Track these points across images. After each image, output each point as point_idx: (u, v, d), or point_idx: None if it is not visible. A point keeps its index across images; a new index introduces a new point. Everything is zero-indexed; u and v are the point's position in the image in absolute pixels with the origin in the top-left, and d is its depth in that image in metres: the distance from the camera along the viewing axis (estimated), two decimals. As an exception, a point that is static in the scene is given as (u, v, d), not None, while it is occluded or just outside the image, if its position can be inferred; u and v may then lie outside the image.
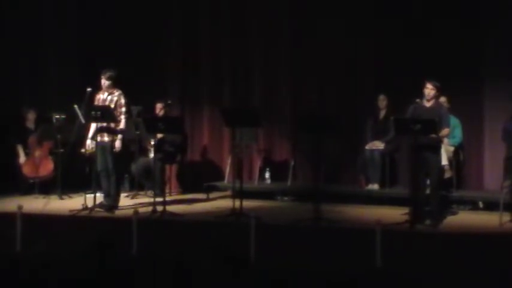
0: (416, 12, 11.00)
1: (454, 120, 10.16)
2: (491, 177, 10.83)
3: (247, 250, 7.64)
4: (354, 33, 11.49)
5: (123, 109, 9.93)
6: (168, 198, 10.17)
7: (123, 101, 9.92)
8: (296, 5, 11.81)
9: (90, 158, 10.32)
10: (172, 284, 6.43)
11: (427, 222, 9.04)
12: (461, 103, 10.73)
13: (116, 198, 10.05)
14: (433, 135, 9.09)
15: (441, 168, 9.65)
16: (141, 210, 9.64)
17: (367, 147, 10.97)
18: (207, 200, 11.27)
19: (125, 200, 10.68)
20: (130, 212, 8.67)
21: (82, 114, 10.26)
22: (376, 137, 11.00)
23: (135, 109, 11.25)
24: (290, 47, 11.90)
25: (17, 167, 11.59)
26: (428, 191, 9.30)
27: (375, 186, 10.85)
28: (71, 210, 9.73)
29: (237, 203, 9.49)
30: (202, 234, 8.75)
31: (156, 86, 12.04)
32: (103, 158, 9.89)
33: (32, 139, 11.66)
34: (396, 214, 9.43)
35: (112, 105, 9.87)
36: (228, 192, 11.11)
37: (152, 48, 12.23)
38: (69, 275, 6.39)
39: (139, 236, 8.02)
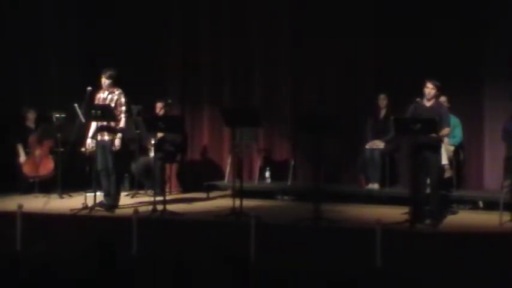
0: (416, 12, 10.99)
1: (454, 120, 10.16)
2: (491, 176, 10.84)
3: (247, 250, 7.65)
4: (354, 33, 11.50)
5: (123, 108, 9.94)
6: (168, 198, 10.18)
7: (123, 100, 9.93)
8: (296, 5, 11.81)
9: (90, 157, 10.32)
10: (172, 284, 6.43)
11: (427, 221, 9.04)
12: (461, 103, 10.73)
13: (116, 198, 10.05)
14: (433, 135, 9.09)
15: (441, 168, 9.66)
16: (141, 209, 9.65)
17: (367, 146, 10.97)
18: (207, 199, 11.28)
19: (125, 199, 10.68)
20: (131, 211, 8.68)
21: (82, 113, 10.26)
22: (376, 136, 11.00)
23: (135, 108, 11.26)
24: (290, 47, 11.91)
25: (17, 166, 11.60)
26: (428, 191, 9.30)
27: (375, 186, 10.85)
28: (71, 210, 9.73)
29: (237, 202, 9.50)
30: (202, 234, 8.75)
31: (156, 86, 12.04)
32: (103, 157, 9.89)
33: (32, 138, 11.66)
34: (396, 214, 9.44)
35: (112, 104, 9.87)
36: (228, 192, 11.11)
37: (152, 48, 12.23)
38: (69, 275, 6.39)
39: (140, 235, 8.03)
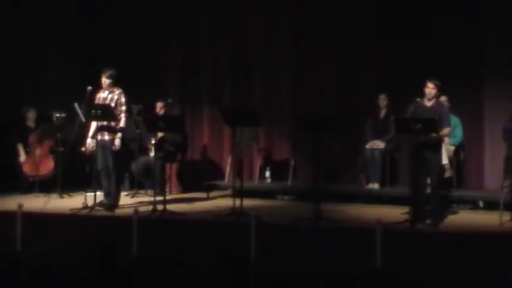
0: (416, 12, 10.99)
1: (454, 120, 10.16)
2: (492, 176, 10.84)
3: (247, 249, 7.65)
4: (354, 33, 11.50)
5: (124, 108, 9.94)
6: (168, 197, 10.18)
7: (123, 99, 9.92)
8: (296, 5, 11.80)
9: (91, 156, 10.32)
10: (172, 284, 6.43)
11: (428, 221, 9.04)
12: (461, 103, 10.73)
13: (116, 197, 10.05)
14: (434, 135, 9.09)
15: (441, 168, 9.66)
16: (141, 209, 9.66)
17: (367, 146, 10.98)
18: (207, 199, 11.28)
19: (125, 199, 10.68)
20: (131, 211, 8.69)
21: (82, 112, 10.25)
22: (377, 136, 11.01)
23: (135, 108, 11.27)
24: (290, 47, 11.91)
25: (17, 166, 11.60)
26: (428, 191, 9.30)
27: (375, 186, 10.86)
28: (71, 209, 9.74)
29: (237, 202, 9.50)
30: (203, 233, 8.75)
31: (156, 86, 12.04)
32: (103, 156, 9.89)
33: (32, 138, 11.66)
34: (396, 213, 9.44)
35: (112, 104, 9.87)
36: (228, 192, 11.11)
37: (152, 48, 12.23)
38: (69, 275, 6.39)
39: (140, 235, 8.03)
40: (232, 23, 12.14)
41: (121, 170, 10.52)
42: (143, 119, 10.58)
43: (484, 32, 10.93)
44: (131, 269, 6.96)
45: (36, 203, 10.36)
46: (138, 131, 11.18)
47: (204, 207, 10.56)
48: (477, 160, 11.09)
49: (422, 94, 9.28)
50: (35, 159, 11.56)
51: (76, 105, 10.37)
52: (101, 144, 9.89)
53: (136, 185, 11.58)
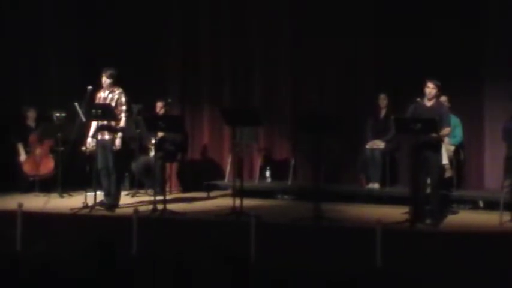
0: (416, 12, 10.99)
1: (454, 120, 10.16)
2: (492, 176, 10.84)
3: (247, 249, 7.65)
4: (354, 33, 11.50)
5: (124, 107, 9.94)
6: (168, 197, 10.20)
7: (123, 99, 9.93)
8: (296, 5, 11.81)
9: (91, 156, 10.32)
10: (172, 284, 6.43)
11: (428, 221, 9.04)
12: (461, 103, 10.73)
13: (116, 197, 10.06)
14: (434, 135, 9.10)
15: (442, 168, 9.66)
16: (142, 208, 9.67)
17: (367, 146, 10.98)
18: (208, 198, 11.28)
19: (125, 199, 10.69)
20: (131, 210, 8.70)
21: (82, 112, 10.25)
22: (377, 136, 11.01)
23: (135, 107, 11.26)
24: (290, 47, 11.91)
25: (17, 165, 11.61)
26: (428, 190, 9.31)
27: (376, 186, 10.86)
28: (71, 209, 9.74)
29: (238, 201, 9.51)
30: (203, 233, 8.75)
31: (156, 86, 12.04)
32: (103, 156, 9.89)
33: (32, 137, 11.67)
34: (396, 213, 9.44)
35: (112, 104, 9.88)
36: (229, 191, 11.11)
37: (152, 48, 12.23)
38: (69, 275, 6.39)
39: (140, 235, 8.03)
40: (232, 23, 12.14)
41: (121, 169, 10.53)
42: (143, 118, 10.58)
43: (484, 32, 10.93)
44: (131, 269, 6.96)
45: (36, 202, 10.36)
46: (138, 131, 11.18)
47: (204, 207, 10.56)
48: (477, 160, 11.09)
49: (422, 94, 9.28)
50: (35, 158, 11.57)
51: (76, 104, 10.36)
52: (101, 144, 9.89)
53: (137, 185, 11.58)
